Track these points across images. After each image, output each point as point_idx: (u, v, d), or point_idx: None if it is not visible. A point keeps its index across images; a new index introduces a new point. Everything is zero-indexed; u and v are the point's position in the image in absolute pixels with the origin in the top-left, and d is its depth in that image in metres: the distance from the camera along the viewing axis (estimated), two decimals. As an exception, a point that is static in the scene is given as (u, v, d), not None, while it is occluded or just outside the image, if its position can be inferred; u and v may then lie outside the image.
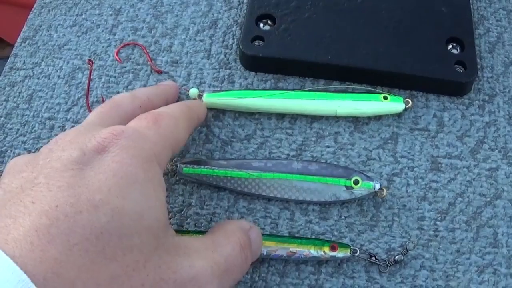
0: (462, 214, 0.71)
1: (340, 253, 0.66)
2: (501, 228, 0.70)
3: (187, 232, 0.68)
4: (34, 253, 0.45)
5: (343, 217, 0.70)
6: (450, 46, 0.80)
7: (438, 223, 0.70)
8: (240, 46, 0.79)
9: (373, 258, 0.67)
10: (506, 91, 0.79)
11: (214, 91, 0.78)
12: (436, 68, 0.78)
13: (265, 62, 0.79)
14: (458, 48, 0.80)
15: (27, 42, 0.85)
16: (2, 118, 0.78)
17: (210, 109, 0.77)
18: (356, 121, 0.77)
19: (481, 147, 0.75)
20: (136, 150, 0.54)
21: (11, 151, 0.75)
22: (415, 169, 0.73)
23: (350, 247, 0.67)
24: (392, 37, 0.80)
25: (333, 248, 0.66)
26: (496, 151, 0.75)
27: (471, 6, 0.84)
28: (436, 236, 0.69)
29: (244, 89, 0.78)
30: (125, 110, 0.66)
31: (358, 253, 0.67)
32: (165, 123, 0.60)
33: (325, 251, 0.66)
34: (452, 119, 0.77)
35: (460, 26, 0.81)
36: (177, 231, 0.68)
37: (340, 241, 0.69)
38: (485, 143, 0.76)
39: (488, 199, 0.72)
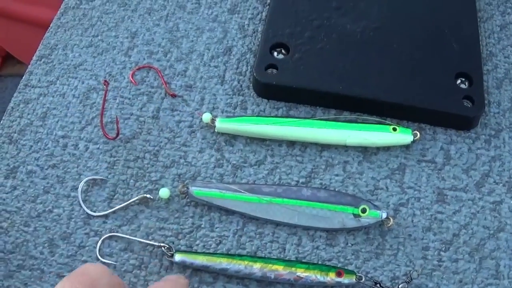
0: (465, 246, 0.72)
1: (345, 279, 0.67)
2: (504, 260, 0.71)
3: (196, 253, 0.69)
4: None
5: (349, 244, 0.71)
6: (459, 81, 0.81)
7: (442, 253, 0.71)
8: (254, 74, 0.80)
9: (378, 285, 0.68)
10: (512, 127, 0.81)
11: (227, 117, 0.79)
12: (445, 102, 0.79)
13: (278, 90, 0.80)
14: (466, 83, 0.81)
15: (43, 60, 0.86)
16: (16, 134, 0.79)
17: (222, 134, 0.79)
18: (365, 151, 0.78)
19: (486, 180, 0.77)
20: None
21: (24, 167, 0.76)
22: (421, 200, 0.75)
23: (355, 273, 0.68)
24: (403, 70, 0.81)
25: (339, 274, 0.67)
26: (501, 185, 0.76)
27: (480, 42, 0.85)
28: (440, 266, 0.70)
29: (256, 116, 0.79)
30: None
31: (363, 280, 0.68)
32: None
33: (331, 277, 0.67)
34: (458, 152, 0.78)
35: (469, 62, 0.83)
36: (185, 252, 0.69)
37: (346, 267, 0.70)
38: (490, 177, 0.77)
39: (492, 232, 0.73)
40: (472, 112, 0.79)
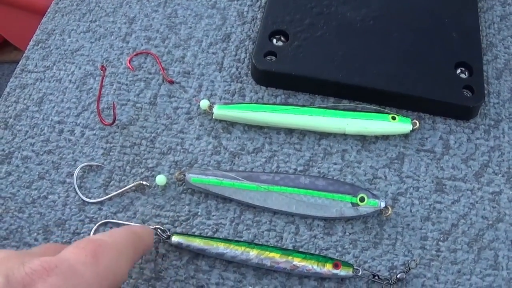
0: (464, 236, 0.71)
1: (342, 271, 0.67)
2: (502, 251, 0.71)
3: (193, 236, 0.69)
4: None
5: (347, 234, 0.71)
6: (458, 71, 0.81)
7: (440, 243, 0.71)
8: (253, 61, 0.80)
9: (376, 277, 0.68)
10: (511, 117, 0.80)
11: (225, 103, 0.79)
12: (444, 91, 0.79)
13: (277, 77, 0.80)
14: (466, 73, 0.81)
15: (40, 45, 0.85)
16: (11, 120, 0.78)
17: (220, 121, 0.78)
18: (364, 140, 0.78)
19: (485, 170, 0.76)
20: None
21: (19, 152, 0.76)
22: (420, 190, 0.74)
23: (352, 266, 0.67)
24: (403, 59, 0.81)
25: (336, 266, 0.67)
26: (500, 175, 0.76)
27: (480, 32, 0.85)
28: (438, 256, 0.70)
29: (255, 103, 0.79)
30: None
31: (360, 272, 0.67)
32: (105, 258, 0.53)
33: (328, 268, 0.67)
34: (457, 142, 0.78)
35: (469, 52, 0.82)
36: (182, 234, 0.69)
37: (344, 257, 0.69)
38: (489, 167, 0.77)
39: (490, 222, 0.73)
40: (472, 102, 0.78)
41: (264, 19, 0.84)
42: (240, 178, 0.72)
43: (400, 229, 0.71)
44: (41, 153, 0.76)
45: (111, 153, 0.76)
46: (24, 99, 0.80)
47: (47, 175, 0.74)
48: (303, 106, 0.79)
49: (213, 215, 0.72)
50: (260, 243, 0.70)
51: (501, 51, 0.87)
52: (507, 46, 0.88)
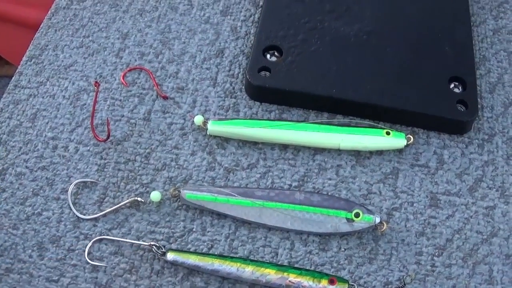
0: (459, 251, 0.71)
1: (338, 287, 0.66)
2: (497, 265, 0.71)
3: (188, 252, 0.69)
4: None
5: (342, 249, 0.71)
6: (452, 85, 0.81)
7: (435, 258, 0.71)
8: (247, 76, 0.80)
9: (371, 292, 0.68)
10: (505, 132, 0.81)
11: (219, 119, 0.79)
12: (438, 106, 0.79)
13: (271, 92, 0.80)
14: (460, 87, 0.81)
15: (33, 61, 0.85)
16: (5, 136, 0.78)
17: (214, 137, 0.78)
18: (358, 155, 0.78)
19: (479, 185, 0.76)
20: None
21: (13, 168, 0.75)
22: (414, 205, 0.74)
23: (348, 282, 0.67)
24: (396, 74, 0.81)
25: (331, 282, 0.66)
26: (494, 190, 0.76)
27: (473, 46, 0.85)
28: (433, 271, 0.70)
29: (249, 119, 0.79)
30: None
31: (356, 288, 0.67)
32: None
33: (324, 284, 0.66)
34: (452, 157, 0.78)
35: (463, 66, 0.82)
36: (178, 251, 0.69)
37: (339, 272, 0.69)
38: (483, 181, 0.77)
39: (485, 237, 0.72)
40: (466, 117, 0.79)
41: (257, 34, 0.84)
42: (235, 194, 0.72)
43: (395, 244, 0.71)
44: (35, 169, 0.75)
45: (105, 169, 0.75)
46: (18, 115, 0.79)
47: (41, 191, 0.73)
48: (297, 121, 0.79)
49: (208, 231, 0.71)
50: (255, 259, 0.70)
51: (494, 65, 0.87)
52: (500, 60, 0.88)
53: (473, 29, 0.90)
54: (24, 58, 0.86)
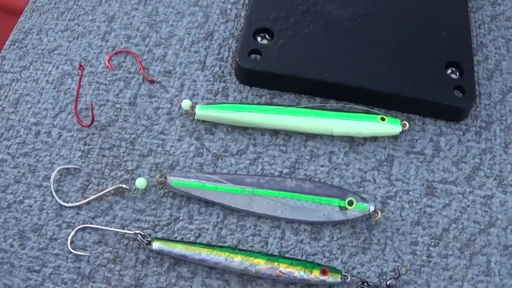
0: (455, 241, 0.70)
1: (330, 278, 0.65)
2: (494, 256, 0.69)
3: (174, 241, 0.67)
4: None
5: (335, 238, 0.69)
6: (449, 71, 0.79)
7: (431, 248, 0.69)
8: (237, 59, 0.78)
9: (365, 284, 0.66)
10: (503, 119, 0.79)
11: (208, 104, 0.77)
12: (435, 92, 0.77)
13: (261, 76, 0.78)
14: (457, 73, 0.80)
15: (16, 45, 0.83)
16: (-14, 122, 0.76)
17: (202, 121, 0.76)
18: (352, 141, 0.76)
19: (477, 174, 0.75)
20: None
21: (-6, 155, 0.73)
22: (410, 193, 0.73)
23: (341, 272, 0.65)
24: (392, 58, 0.79)
25: (323, 272, 0.65)
26: (492, 178, 0.74)
27: (470, 32, 0.84)
28: (429, 262, 0.68)
29: (239, 103, 0.77)
30: None
31: (349, 279, 0.65)
32: None
33: (315, 275, 0.65)
34: (448, 144, 0.76)
35: (460, 52, 0.81)
36: (164, 240, 0.67)
37: (331, 263, 0.67)
38: (480, 170, 0.75)
39: (482, 227, 0.71)
40: (463, 103, 0.77)
41: (248, 16, 0.82)
42: (224, 181, 0.70)
43: (389, 233, 0.70)
44: (17, 155, 0.73)
45: (89, 156, 0.74)
46: (0, 100, 0.78)
47: (23, 178, 0.72)
48: (289, 106, 0.77)
49: (196, 220, 0.70)
50: (244, 248, 0.68)
51: (491, 51, 0.86)
52: (498, 47, 0.86)
53: (470, 15, 0.88)
54: (7, 42, 0.84)
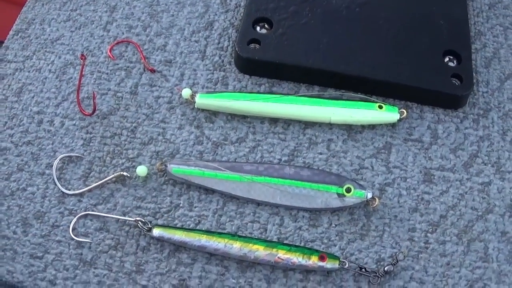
0: (453, 227, 0.70)
1: (328, 264, 0.65)
2: (492, 242, 0.69)
3: (175, 228, 0.68)
4: None
5: (333, 225, 0.70)
6: (447, 59, 0.80)
7: (429, 235, 0.70)
8: (236, 48, 0.79)
9: (363, 270, 0.66)
10: (501, 107, 0.79)
11: (208, 92, 0.77)
12: (432, 79, 0.77)
13: (261, 65, 0.79)
14: (454, 61, 0.80)
15: (19, 35, 0.84)
16: (-10, 111, 0.77)
17: (202, 110, 0.77)
18: (350, 129, 0.76)
19: (475, 161, 0.75)
20: None
21: (-3, 144, 0.74)
22: (407, 180, 0.73)
23: (339, 258, 0.66)
24: (389, 46, 0.80)
25: (322, 258, 0.65)
26: (489, 165, 0.75)
27: (468, 20, 0.84)
28: (427, 248, 0.69)
29: (238, 92, 0.77)
30: None
31: (347, 265, 0.66)
32: None
33: (314, 261, 0.65)
34: (446, 132, 0.77)
35: (458, 40, 0.81)
36: (164, 226, 0.68)
37: (330, 249, 0.68)
38: (478, 157, 0.75)
39: (480, 213, 0.71)
40: (461, 91, 0.77)
41: (247, 6, 0.83)
42: (223, 169, 0.70)
43: (387, 220, 0.70)
44: (20, 144, 0.74)
45: (91, 144, 0.74)
46: (3, 89, 0.78)
47: (26, 166, 0.72)
48: (288, 94, 0.77)
49: (195, 207, 0.70)
50: (243, 235, 0.69)
51: (489, 39, 0.86)
52: (496, 35, 0.86)
53: (468, 3, 0.89)
54: (11, 32, 0.84)
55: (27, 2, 0.88)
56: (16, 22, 0.86)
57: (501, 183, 0.74)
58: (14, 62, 0.81)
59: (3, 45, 0.83)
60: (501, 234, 0.70)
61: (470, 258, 0.68)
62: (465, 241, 0.69)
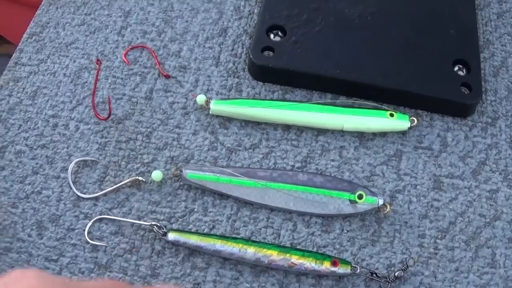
0: (462, 234, 0.71)
1: (340, 269, 0.66)
2: (499, 249, 0.70)
3: (190, 232, 0.69)
4: None
5: (345, 231, 0.71)
6: (456, 68, 0.81)
7: (438, 241, 0.71)
8: (250, 56, 0.79)
9: (374, 275, 0.67)
10: (509, 115, 0.80)
11: (222, 99, 0.78)
12: (442, 88, 0.78)
13: (274, 72, 0.80)
14: (464, 70, 0.81)
15: (34, 38, 0.84)
16: (5, 113, 0.77)
17: (216, 116, 0.78)
18: (362, 137, 0.77)
19: (483, 168, 0.76)
20: None
21: (12, 146, 0.75)
22: (417, 187, 0.74)
23: (351, 264, 0.67)
24: (400, 55, 0.81)
25: (334, 264, 0.66)
26: (497, 173, 0.76)
27: (477, 29, 0.85)
28: (436, 254, 0.70)
29: (252, 99, 0.78)
30: None
31: (358, 270, 0.67)
32: None
33: (326, 266, 0.66)
34: (455, 140, 0.78)
35: (467, 49, 0.82)
36: (179, 231, 0.69)
37: (341, 254, 0.69)
38: (486, 164, 0.76)
39: (488, 220, 0.72)
40: (470, 99, 0.78)
41: (261, 13, 0.83)
42: (237, 174, 0.71)
43: (398, 226, 0.71)
44: (34, 147, 0.75)
45: (106, 148, 0.75)
46: (18, 92, 0.79)
47: (41, 170, 0.73)
48: (301, 102, 0.78)
49: (210, 212, 0.71)
50: (257, 240, 0.69)
51: (498, 48, 0.87)
52: (504, 44, 0.87)
53: (477, 13, 0.89)
54: (25, 35, 0.85)
55: (41, 5, 0.88)
56: (30, 25, 0.86)
57: (508, 190, 0.75)
58: (29, 65, 0.82)
59: (18, 48, 0.83)
60: (508, 241, 0.71)
61: (478, 264, 0.69)
62: (473, 247, 0.70)
